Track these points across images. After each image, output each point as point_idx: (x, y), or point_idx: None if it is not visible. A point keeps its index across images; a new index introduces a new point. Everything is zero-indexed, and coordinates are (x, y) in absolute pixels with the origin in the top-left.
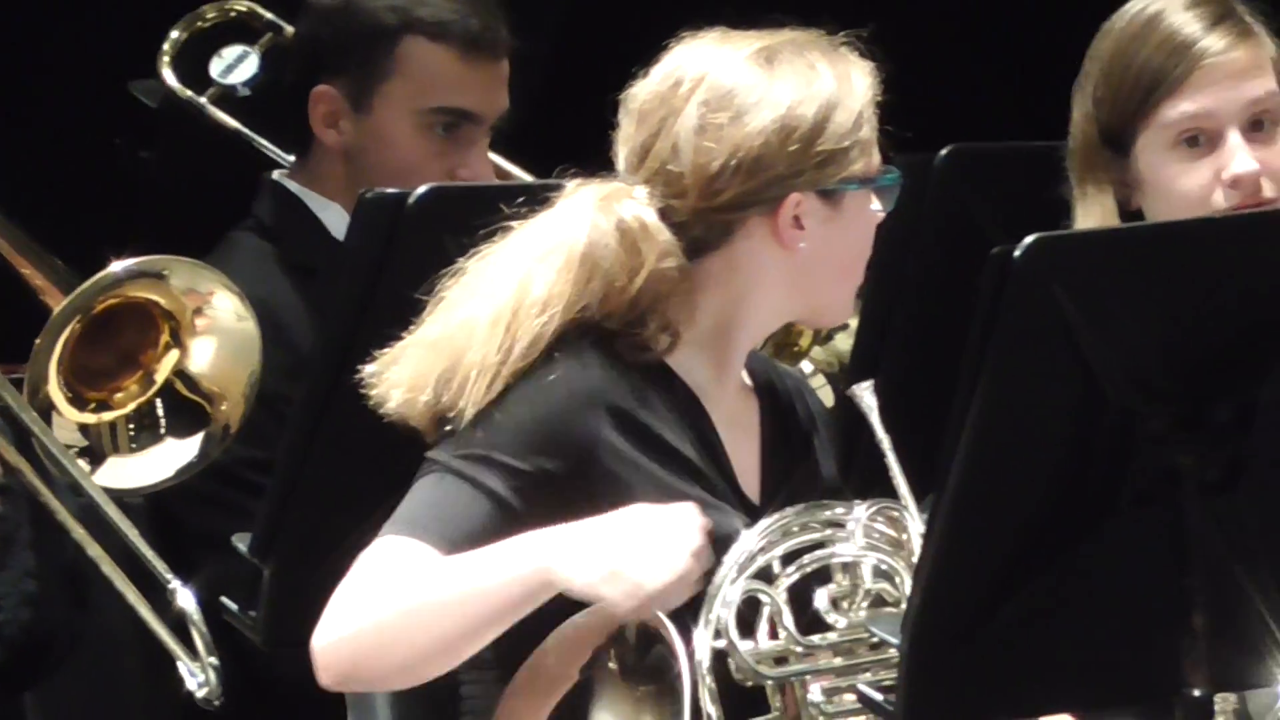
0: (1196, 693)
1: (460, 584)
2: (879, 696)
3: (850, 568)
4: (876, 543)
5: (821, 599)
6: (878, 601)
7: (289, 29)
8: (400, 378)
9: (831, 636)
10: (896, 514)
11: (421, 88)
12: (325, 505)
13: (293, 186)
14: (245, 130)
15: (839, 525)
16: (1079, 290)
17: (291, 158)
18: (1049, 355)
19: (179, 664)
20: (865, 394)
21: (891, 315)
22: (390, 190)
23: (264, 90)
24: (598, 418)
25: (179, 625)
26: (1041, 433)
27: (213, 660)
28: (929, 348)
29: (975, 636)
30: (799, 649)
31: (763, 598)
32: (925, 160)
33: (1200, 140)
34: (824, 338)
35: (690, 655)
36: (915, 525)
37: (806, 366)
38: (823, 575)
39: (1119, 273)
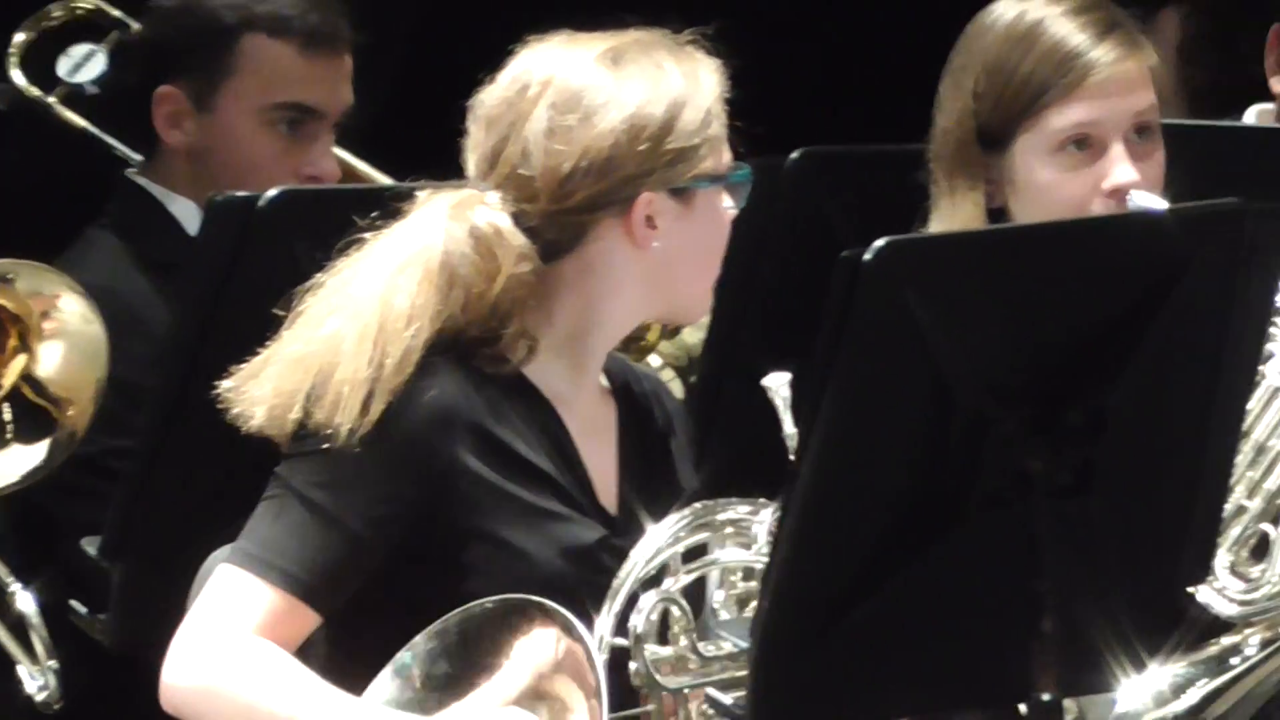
0: (1046, 697)
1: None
2: (728, 700)
3: (748, 571)
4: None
5: (718, 601)
6: None
7: (136, 26)
8: (262, 394)
9: (727, 646)
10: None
11: (263, 84)
12: (175, 507)
13: (144, 183)
14: (93, 129)
15: (742, 526)
16: (930, 293)
17: (140, 157)
18: (900, 358)
19: (18, 667)
20: (781, 387)
21: (744, 316)
22: (240, 193)
23: (112, 88)
24: (453, 440)
25: (18, 628)
26: (892, 436)
27: (52, 664)
28: (782, 349)
29: (825, 641)
30: (694, 657)
31: (674, 609)
32: (777, 162)
33: (1084, 146)
34: (671, 332)
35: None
36: None
37: (655, 361)
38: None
39: (970, 276)
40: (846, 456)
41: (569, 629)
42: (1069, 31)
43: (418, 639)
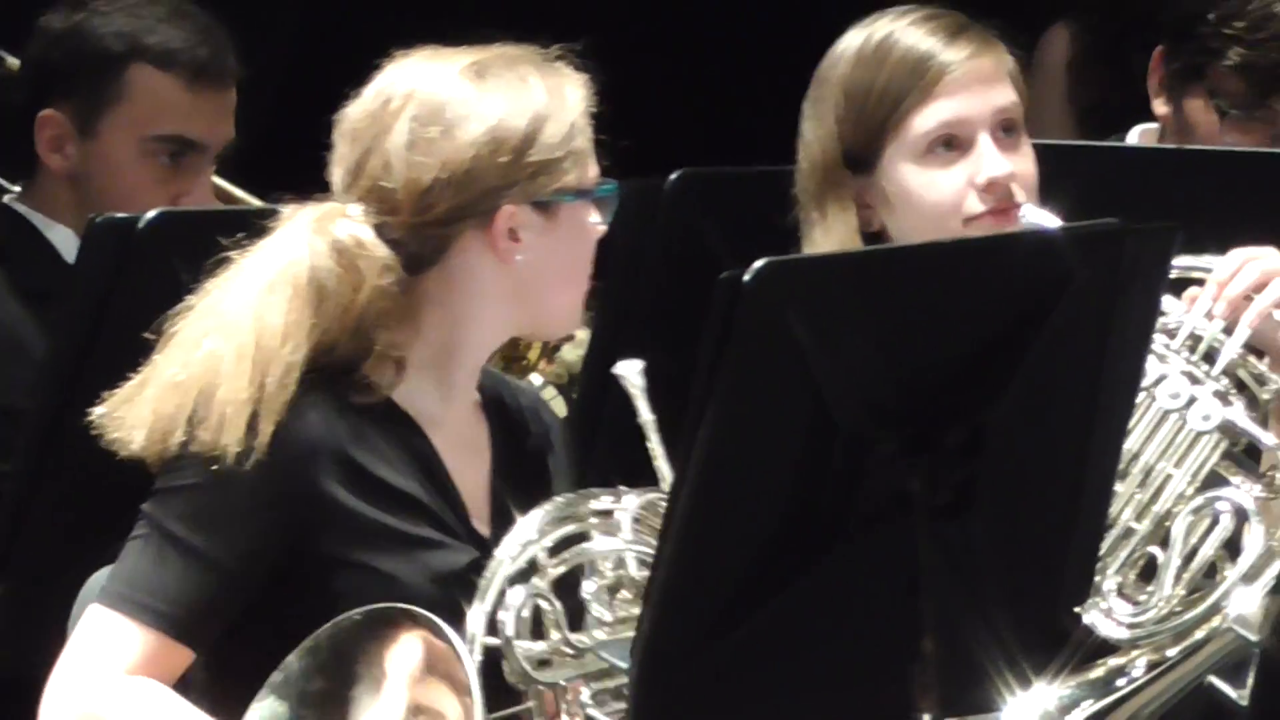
0: (927, 717)
1: None
2: (604, 718)
3: (617, 560)
4: (643, 533)
5: (589, 592)
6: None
7: (11, 60)
8: (140, 418)
9: (600, 635)
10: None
11: (147, 115)
12: (54, 530)
13: (21, 209)
14: None
15: (606, 515)
16: (810, 313)
17: (18, 188)
18: (780, 378)
19: None
20: (633, 374)
21: (623, 335)
22: (120, 214)
23: None
24: (318, 470)
25: None
26: (772, 456)
27: None
28: (660, 370)
29: (705, 659)
30: (569, 651)
31: (543, 604)
32: (656, 183)
33: (951, 146)
34: (551, 350)
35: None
36: None
37: (536, 379)
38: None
39: (850, 296)
40: (727, 476)
41: (437, 632)
42: (919, 38)
43: (290, 658)
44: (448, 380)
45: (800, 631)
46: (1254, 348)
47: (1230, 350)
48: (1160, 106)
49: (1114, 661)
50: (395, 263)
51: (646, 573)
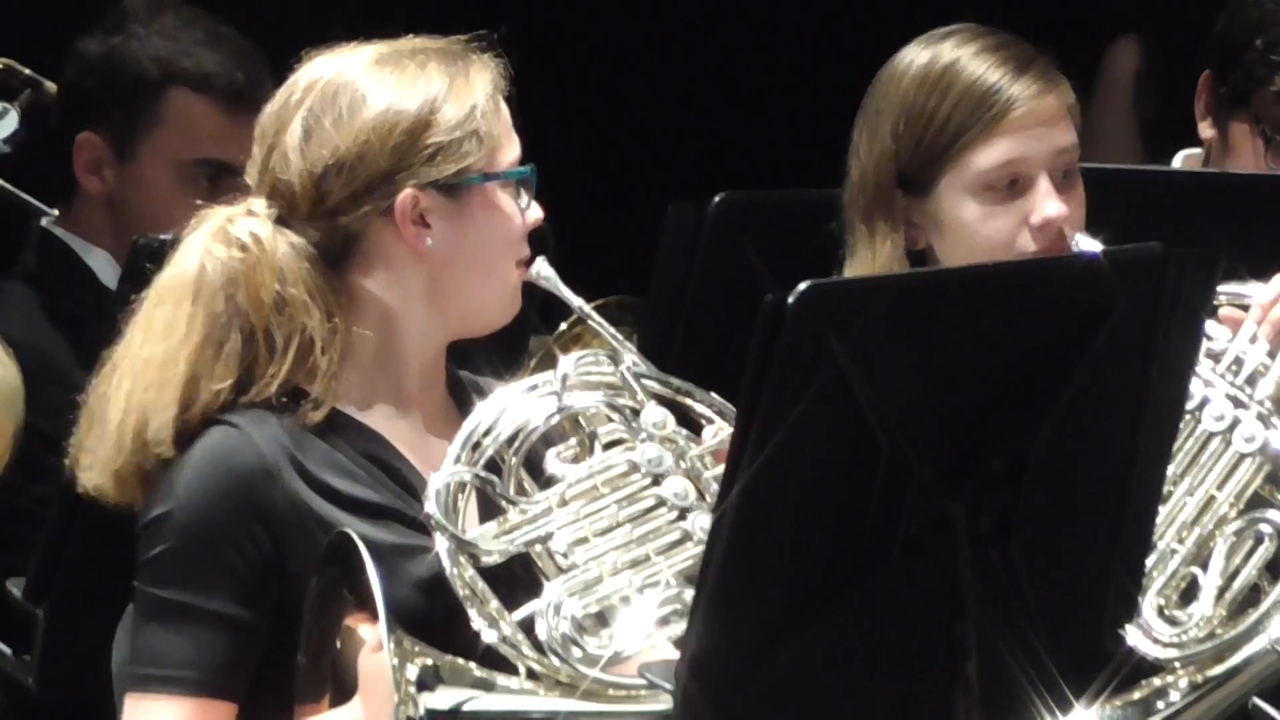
0: None
1: None
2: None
3: (574, 422)
4: (592, 388)
5: (553, 461)
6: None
7: (49, 85)
8: (97, 463)
9: (562, 487)
10: (600, 359)
11: (185, 139)
12: (97, 553)
13: (59, 233)
14: (5, 184)
15: (546, 387)
16: (853, 337)
17: (55, 211)
18: (823, 402)
19: None
20: (543, 266)
21: (665, 358)
22: (164, 235)
23: (23, 146)
24: (275, 491)
25: None
26: (815, 480)
27: None
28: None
29: (748, 684)
30: (528, 511)
31: (486, 488)
32: (700, 206)
33: (1011, 185)
34: None
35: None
36: (627, 364)
37: None
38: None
39: (893, 320)
40: (769, 500)
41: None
42: (986, 69)
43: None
44: (397, 380)
45: (843, 656)
46: None
47: (1275, 374)
48: (1206, 130)
49: (1155, 682)
50: (305, 257)
51: (603, 424)
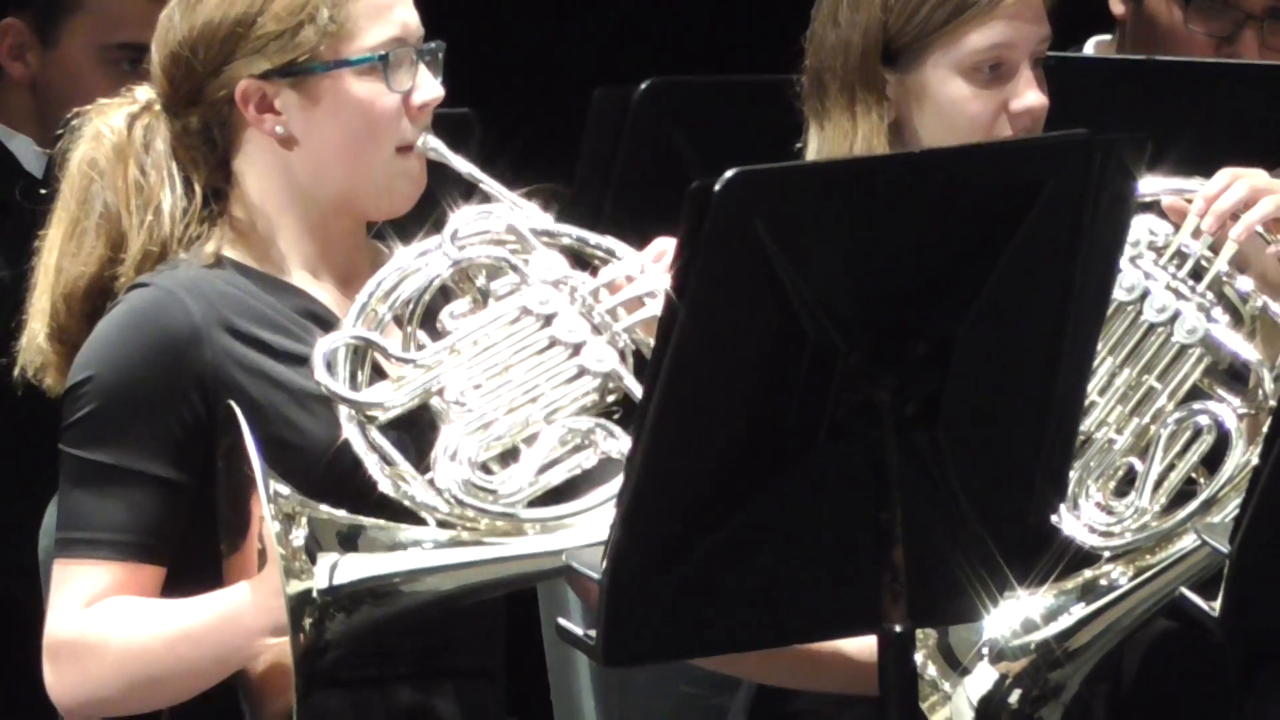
0: (897, 628)
1: (178, 660)
2: (579, 630)
3: (468, 277)
4: (484, 241)
5: (447, 318)
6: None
7: None
8: (42, 354)
9: (453, 338)
10: (491, 214)
11: (107, 23)
12: (26, 435)
13: None
14: None
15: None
16: (779, 223)
17: None
18: (749, 288)
19: None
20: (428, 138)
21: None
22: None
23: None
24: (203, 348)
25: None
26: (741, 364)
27: None
28: None
29: (675, 569)
30: (420, 363)
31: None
32: (625, 93)
33: (996, 67)
34: None
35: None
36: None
37: None
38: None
39: (819, 207)
40: (694, 386)
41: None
42: None
43: None
44: (313, 252)
45: (767, 542)
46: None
47: (1217, 266)
48: (1118, 5)
49: (1091, 572)
50: (173, 141)
51: (497, 278)
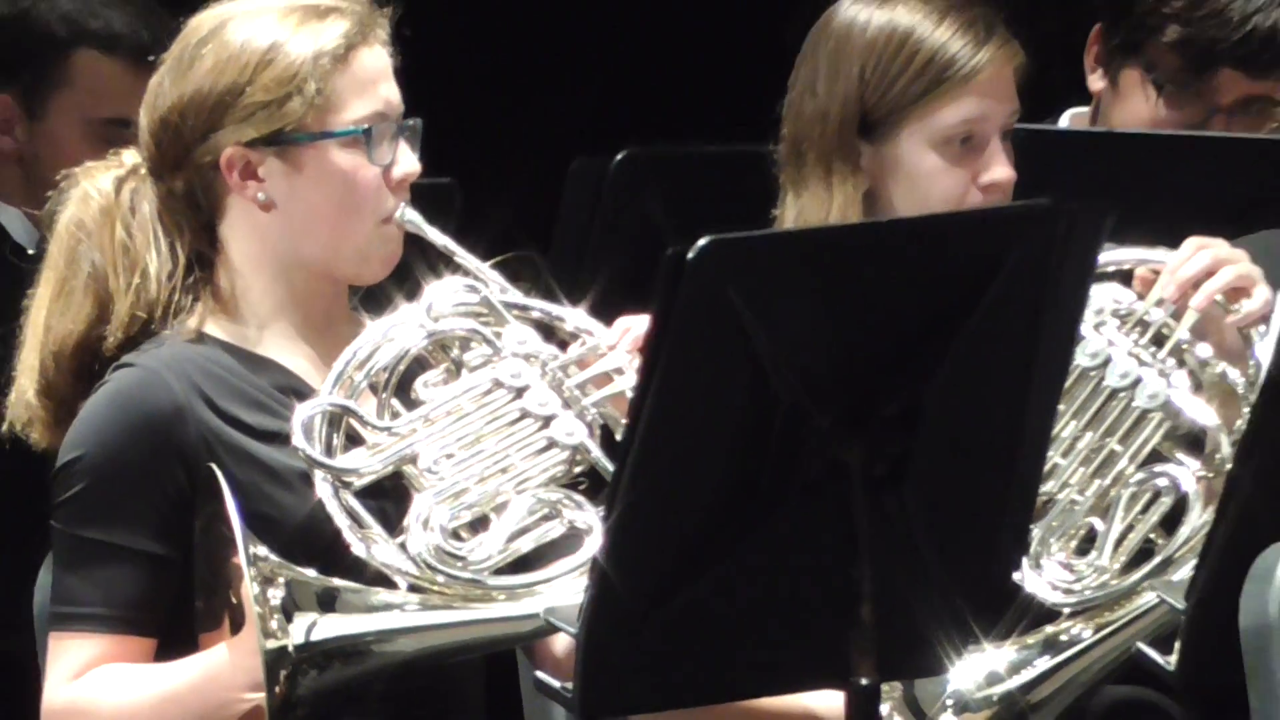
0: (864, 681)
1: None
2: (555, 683)
3: (442, 348)
4: (458, 314)
5: (421, 388)
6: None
7: None
8: (31, 411)
9: (427, 408)
10: (466, 288)
11: (93, 98)
12: (17, 494)
13: None
14: None
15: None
16: (751, 290)
17: None
18: (722, 352)
19: None
20: (406, 211)
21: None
22: None
23: None
24: (185, 428)
25: None
26: (715, 426)
27: None
28: None
29: (649, 624)
30: (395, 432)
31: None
32: (601, 164)
33: (966, 141)
34: None
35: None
36: (492, 290)
37: None
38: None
39: (791, 273)
40: (670, 448)
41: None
42: (960, 27)
43: None
44: (293, 320)
45: (740, 598)
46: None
47: (1178, 334)
48: (1096, 82)
49: (1053, 628)
50: (158, 205)
51: (470, 349)
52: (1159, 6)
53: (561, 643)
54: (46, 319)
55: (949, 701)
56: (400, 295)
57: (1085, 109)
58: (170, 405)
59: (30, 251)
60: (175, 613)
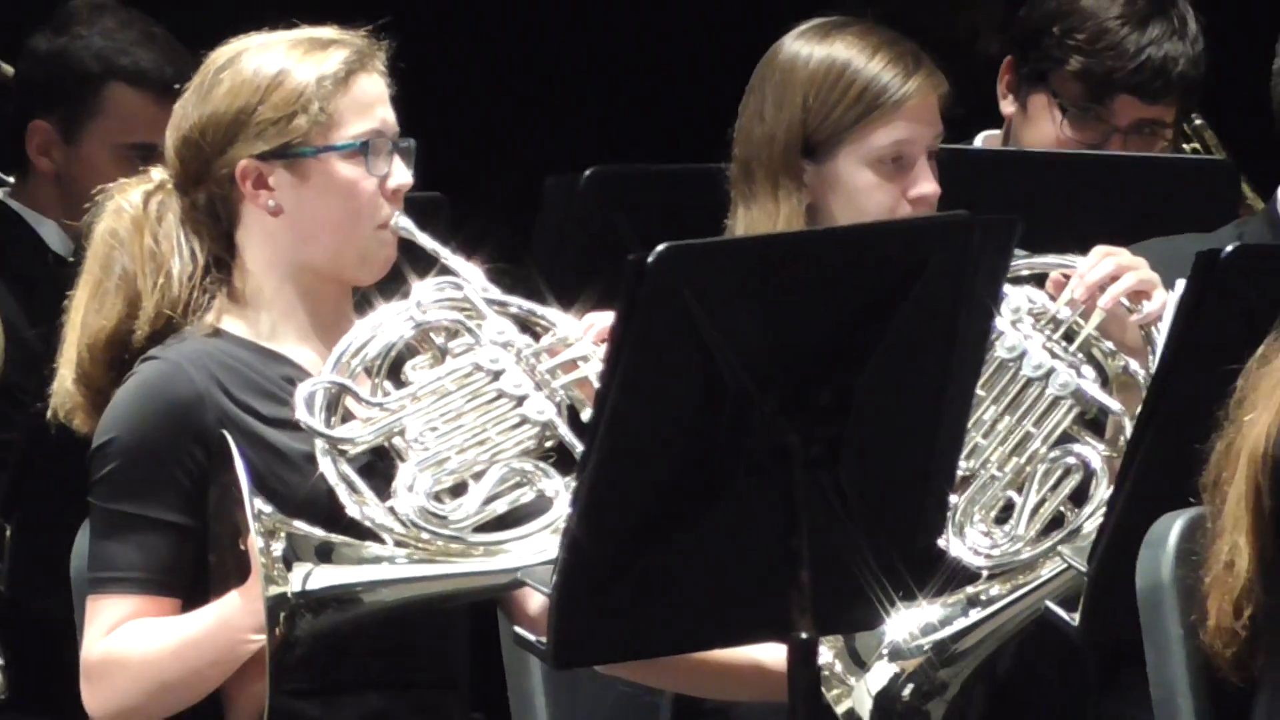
0: (803, 635)
1: (185, 668)
2: (531, 637)
3: (429, 337)
4: (443, 307)
5: (410, 371)
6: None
7: (8, 69)
8: (74, 401)
9: (414, 388)
10: (452, 285)
11: (122, 126)
12: (57, 471)
13: (14, 205)
14: None
15: (405, 310)
16: (704, 292)
17: (11, 179)
18: (678, 347)
19: None
20: (400, 218)
21: None
22: None
23: None
24: (204, 413)
25: None
26: (670, 413)
27: None
28: None
29: (614, 587)
30: (386, 407)
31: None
32: (572, 180)
33: (897, 160)
34: None
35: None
36: (476, 287)
37: None
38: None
39: (739, 277)
40: (630, 433)
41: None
42: (890, 60)
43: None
44: (303, 319)
45: (694, 564)
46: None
47: (1086, 330)
48: (1007, 106)
49: (974, 588)
50: (182, 215)
51: (454, 339)
52: (1064, 39)
53: (536, 601)
54: (83, 316)
55: (884, 650)
56: (394, 299)
57: (998, 131)
58: (191, 393)
59: (70, 260)
60: (196, 575)
